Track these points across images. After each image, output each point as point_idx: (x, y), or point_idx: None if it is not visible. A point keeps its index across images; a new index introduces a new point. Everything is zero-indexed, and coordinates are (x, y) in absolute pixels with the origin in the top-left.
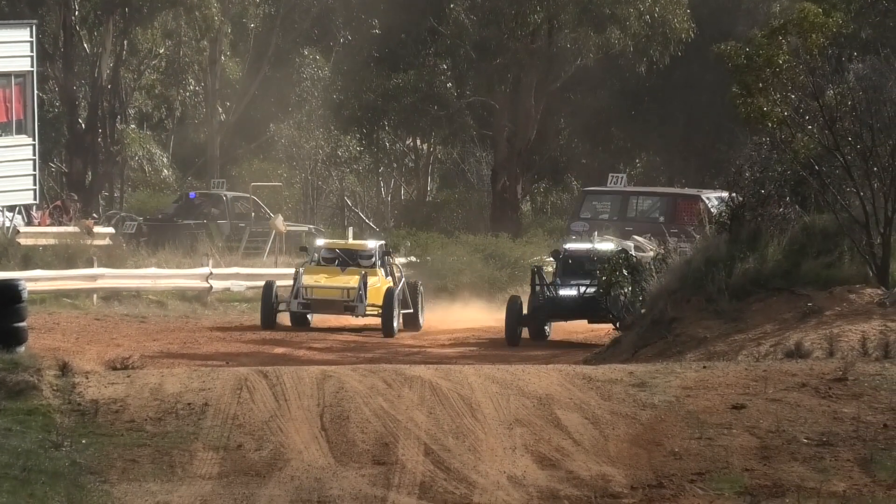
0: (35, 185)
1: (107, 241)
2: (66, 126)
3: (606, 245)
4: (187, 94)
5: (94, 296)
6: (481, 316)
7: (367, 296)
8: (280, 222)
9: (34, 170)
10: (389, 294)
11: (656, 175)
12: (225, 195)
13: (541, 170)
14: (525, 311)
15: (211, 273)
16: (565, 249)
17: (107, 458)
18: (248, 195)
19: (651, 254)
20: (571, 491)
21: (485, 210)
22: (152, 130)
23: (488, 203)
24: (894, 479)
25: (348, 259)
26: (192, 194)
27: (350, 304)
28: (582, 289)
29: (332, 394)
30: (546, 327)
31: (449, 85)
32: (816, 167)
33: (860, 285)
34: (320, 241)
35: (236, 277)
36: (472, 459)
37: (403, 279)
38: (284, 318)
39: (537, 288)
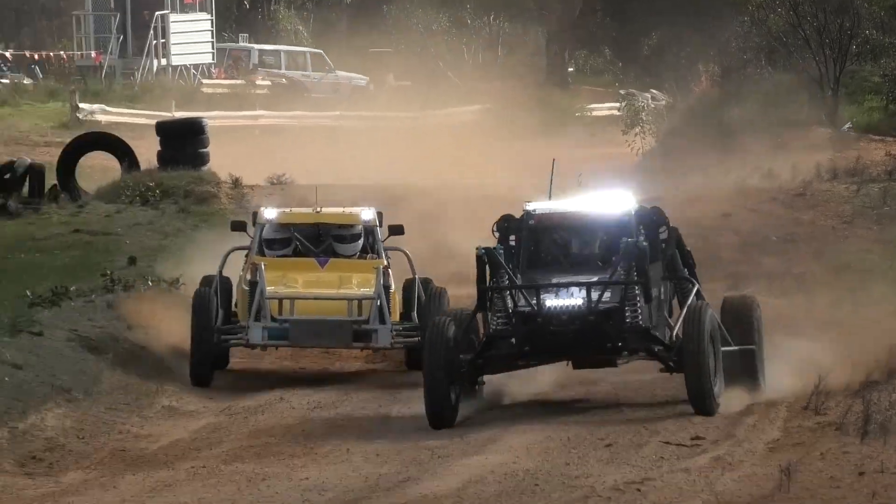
0: (212, 49)
1: (265, 91)
2: (235, 6)
3: (619, 200)
4: None
5: (256, 130)
6: None
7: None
8: None
9: (212, 38)
10: (433, 298)
11: (669, 45)
12: None
13: (581, 39)
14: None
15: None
16: (533, 214)
17: None
18: None
19: (664, 103)
20: None
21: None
22: (296, 10)
23: (544, 65)
24: (838, 264)
25: (310, 245)
26: None
27: (363, 326)
28: (594, 293)
29: None
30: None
31: None
32: (784, 39)
33: (815, 126)
34: (268, 213)
35: None
36: None
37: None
38: None
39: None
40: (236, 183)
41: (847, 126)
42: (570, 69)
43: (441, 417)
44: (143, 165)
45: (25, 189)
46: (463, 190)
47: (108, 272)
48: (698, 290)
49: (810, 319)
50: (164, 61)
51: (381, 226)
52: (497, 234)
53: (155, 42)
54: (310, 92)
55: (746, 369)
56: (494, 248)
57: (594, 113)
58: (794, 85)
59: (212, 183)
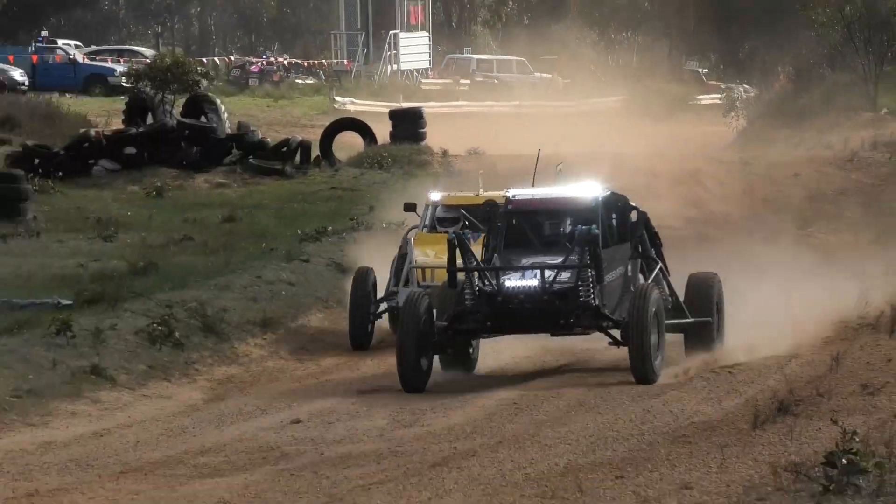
0: (429, 57)
1: (467, 88)
2: (446, 26)
3: (588, 189)
4: None
5: (457, 117)
6: None
7: None
8: None
9: (429, 49)
10: None
11: (757, 51)
12: None
13: (694, 47)
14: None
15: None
16: (512, 200)
17: None
18: None
19: (753, 94)
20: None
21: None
22: (489, 28)
23: (666, 67)
24: (876, 211)
25: (477, 223)
26: None
27: None
28: (548, 273)
29: None
30: (470, 348)
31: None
32: (840, 49)
33: (861, 111)
34: (434, 196)
35: None
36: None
37: None
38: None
39: (462, 276)
40: (444, 153)
41: (884, 111)
42: (704, 70)
43: (412, 381)
44: (380, 141)
45: (297, 158)
46: (610, 158)
47: (354, 217)
48: (661, 269)
49: (856, 249)
50: (394, 66)
51: None
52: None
53: (388, 53)
54: (513, 89)
55: (703, 339)
56: (464, 233)
57: (702, 102)
58: (847, 82)
59: (427, 153)
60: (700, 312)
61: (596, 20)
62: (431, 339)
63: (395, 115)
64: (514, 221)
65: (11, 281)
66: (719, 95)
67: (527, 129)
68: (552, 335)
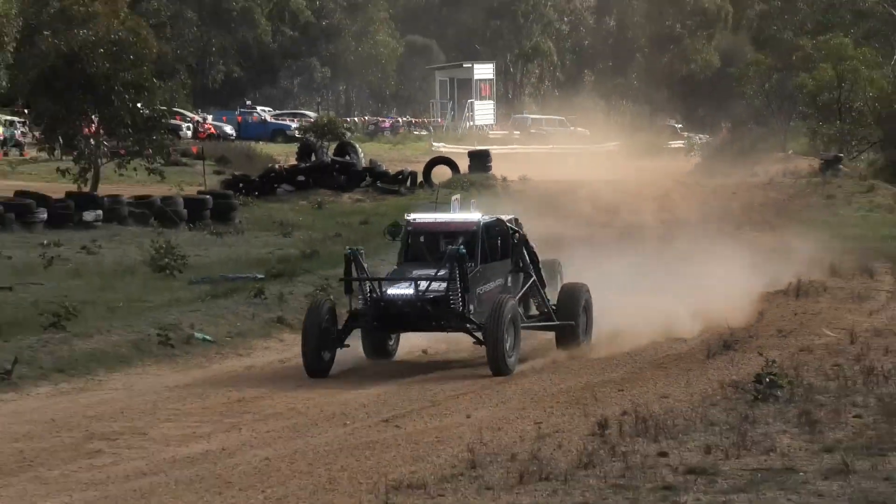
0: (493, 115)
1: (519, 136)
2: (504, 97)
3: (473, 215)
4: None
5: (512, 156)
6: None
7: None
8: None
9: (493, 111)
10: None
11: (709, 112)
12: None
13: (667, 110)
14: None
15: None
16: (412, 222)
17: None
18: None
19: (706, 140)
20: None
21: (648, 126)
22: (532, 98)
23: (649, 123)
24: (787, 217)
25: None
26: None
27: None
28: (422, 284)
29: None
30: (390, 340)
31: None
32: (763, 111)
33: (776, 152)
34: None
35: None
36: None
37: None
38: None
39: (356, 285)
40: (504, 179)
41: (790, 152)
42: (679, 125)
43: (314, 370)
44: (462, 171)
45: (408, 183)
46: (612, 183)
47: None
48: (533, 282)
49: (773, 242)
50: (471, 123)
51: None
52: (387, 235)
53: (467, 114)
54: (550, 137)
55: (570, 337)
56: (358, 249)
57: (671, 146)
58: (766, 133)
59: (492, 179)
60: (569, 315)
61: (602, 93)
62: (331, 335)
63: (472, 155)
64: (415, 239)
65: (226, 263)
66: (683, 141)
67: (554, 163)
68: (448, 333)
